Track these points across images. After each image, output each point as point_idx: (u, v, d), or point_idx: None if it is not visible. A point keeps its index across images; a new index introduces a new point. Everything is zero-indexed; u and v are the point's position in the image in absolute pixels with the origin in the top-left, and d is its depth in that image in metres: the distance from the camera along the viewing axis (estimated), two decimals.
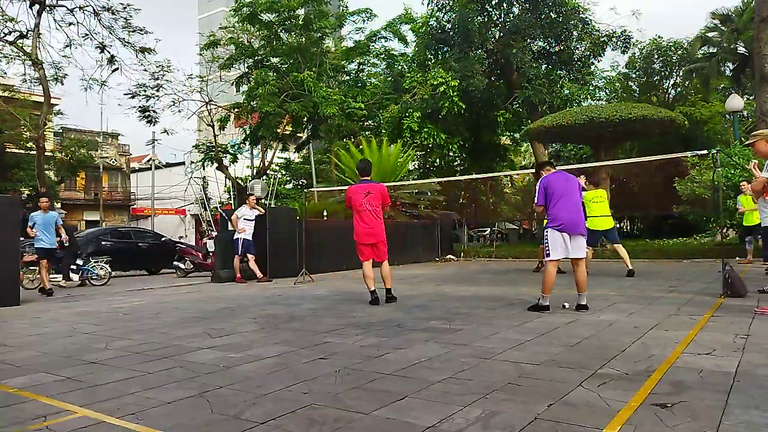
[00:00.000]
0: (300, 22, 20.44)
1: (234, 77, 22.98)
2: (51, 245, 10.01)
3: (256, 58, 21.25)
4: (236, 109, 21.89)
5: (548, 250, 5.58)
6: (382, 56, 24.23)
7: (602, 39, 22.42)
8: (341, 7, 22.47)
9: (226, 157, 22.97)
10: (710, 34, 26.90)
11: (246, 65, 21.66)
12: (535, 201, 5.77)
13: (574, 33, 22.32)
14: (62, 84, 21.43)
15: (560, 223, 5.53)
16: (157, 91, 20.65)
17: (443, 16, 23.14)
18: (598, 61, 23.35)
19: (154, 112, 21.05)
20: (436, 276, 11.03)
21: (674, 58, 26.64)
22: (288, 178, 35.14)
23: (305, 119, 20.73)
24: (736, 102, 15.61)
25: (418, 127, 20.68)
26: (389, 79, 24.09)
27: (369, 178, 7.04)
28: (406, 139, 20.78)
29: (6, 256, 7.72)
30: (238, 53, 20.76)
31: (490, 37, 22.73)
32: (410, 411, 2.57)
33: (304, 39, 20.66)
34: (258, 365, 3.59)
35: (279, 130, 20.88)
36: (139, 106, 20.89)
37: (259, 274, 10.84)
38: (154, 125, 21.76)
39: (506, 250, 19.04)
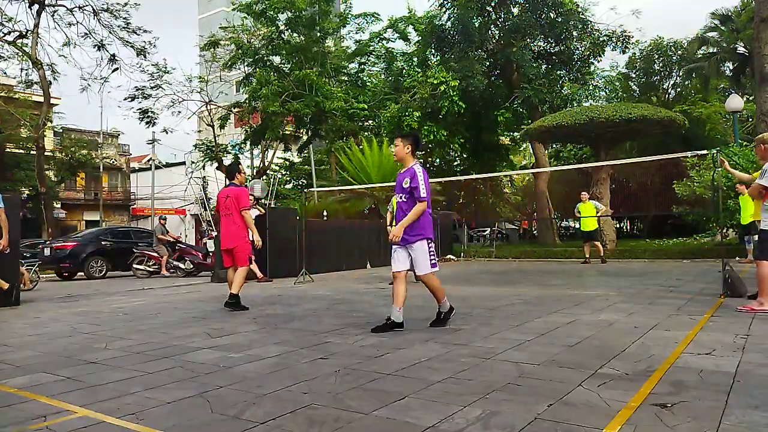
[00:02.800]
0: (304, 21, 20.47)
1: (235, 78, 23.00)
2: None
3: (256, 57, 21.27)
4: (237, 109, 21.90)
5: (435, 259, 4.78)
6: (382, 57, 24.25)
7: (602, 39, 22.43)
8: (346, 8, 22.47)
9: (226, 157, 22.97)
10: (710, 34, 26.91)
11: (247, 64, 21.68)
12: (423, 193, 4.59)
13: (574, 33, 22.33)
14: (55, 80, 21.42)
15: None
16: (157, 89, 20.67)
17: (444, 16, 23.14)
18: (598, 61, 23.39)
19: (153, 113, 21.10)
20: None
21: (674, 58, 26.66)
22: (288, 178, 35.15)
23: (308, 118, 20.74)
24: (736, 102, 15.59)
25: (418, 125, 20.69)
26: (389, 78, 24.09)
27: (235, 182, 6.73)
28: None
29: (6, 256, 7.71)
30: (239, 54, 20.77)
31: (491, 37, 22.73)
32: (410, 411, 2.57)
33: (304, 38, 20.69)
34: (258, 365, 3.59)
35: (280, 131, 20.92)
36: (139, 109, 20.93)
37: (259, 274, 10.84)
38: (153, 126, 21.80)
39: (506, 250, 19.06)
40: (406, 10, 23.98)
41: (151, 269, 14.23)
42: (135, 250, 14.78)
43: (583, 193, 14.02)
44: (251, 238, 6.67)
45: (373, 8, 22.53)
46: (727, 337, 4.04)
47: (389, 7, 26.49)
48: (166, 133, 24.43)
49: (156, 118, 21.40)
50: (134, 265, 14.42)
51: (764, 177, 5.27)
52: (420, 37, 24.25)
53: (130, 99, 20.87)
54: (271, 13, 20.29)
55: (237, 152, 24.24)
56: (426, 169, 5.07)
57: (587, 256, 13.61)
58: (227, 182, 6.86)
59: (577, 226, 36.31)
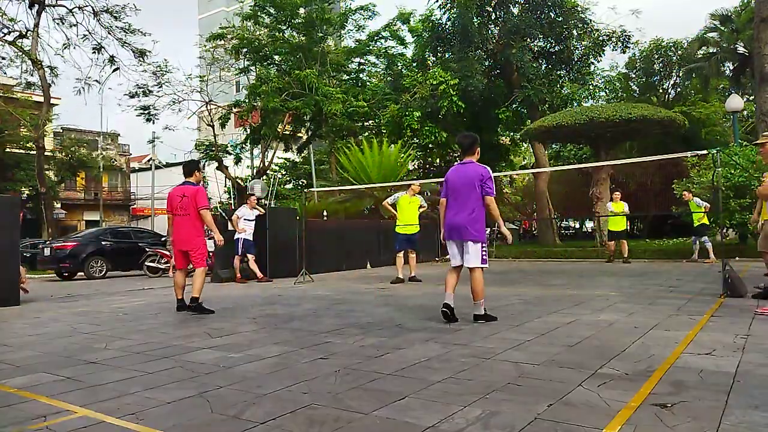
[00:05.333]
0: (302, 21, 20.48)
1: (235, 78, 23.00)
2: None
3: (259, 54, 21.28)
4: (236, 108, 21.89)
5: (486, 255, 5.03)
6: (381, 56, 24.23)
7: (602, 39, 22.44)
8: (344, 7, 22.47)
9: (226, 156, 22.97)
10: (710, 35, 26.90)
11: (248, 59, 21.68)
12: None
13: (574, 33, 22.33)
14: (54, 84, 21.54)
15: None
16: (159, 88, 20.68)
17: (443, 16, 23.14)
18: (598, 61, 23.40)
19: (155, 108, 21.11)
20: (436, 276, 11.02)
21: (674, 58, 26.67)
22: (288, 178, 35.14)
23: (307, 118, 20.74)
24: (736, 102, 15.60)
25: (419, 126, 20.69)
26: (389, 78, 24.08)
27: (191, 180, 6.47)
28: (407, 138, 20.78)
29: (6, 256, 7.71)
30: (243, 44, 20.80)
31: (490, 37, 22.73)
32: (410, 411, 2.57)
33: (305, 38, 20.69)
34: (258, 365, 3.59)
35: (280, 129, 20.91)
36: (140, 107, 20.93)
37: (259, 274, 10.85)
38: (153, 123, 21.84)
39: (506, 250, 19.05)
40: (398, 10, 23.74)
41: (163, 267, 14.33)
42: (147, 249, 14.84)
43: (616, 192, 14.05)
44: (213, 237, 6.53)
45: (373, 6, 22.31)
46: (727, 337, 4.04)
47: (388, 7, 26.40)
48: (170, 130, 24.51)
49: (156, 116, 21.41)
50: (146, 263, 14.46)
51: None
52: (416, 38, 24.23)
53: (130, 96, 20.88)
54: (268, 17, 20.35)
55: (238, 152, 24.22)
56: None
57: (612, 254, 13.70)
58: (183, 180, 6.54)
59: (577, 226, 36.18)
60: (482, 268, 4.95)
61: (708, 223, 12.73)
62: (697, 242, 12.85)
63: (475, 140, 5.25)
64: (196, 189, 6.37)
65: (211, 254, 13.26)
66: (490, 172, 4.99)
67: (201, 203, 6.32)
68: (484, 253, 4.92)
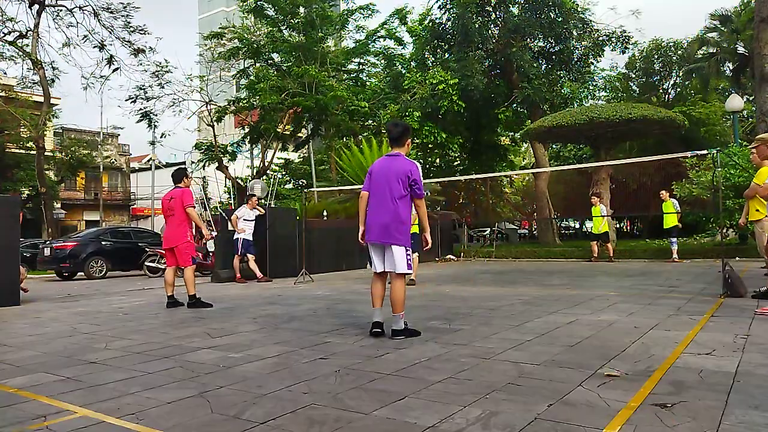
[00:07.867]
0: (303, 20, 20.45)
1: (235, 78, 22.96)
2: None
3: (257, 53, 21.26)
4: (235, 104, 21.84)
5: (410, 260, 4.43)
6: (380, 56, 24.21)
7: (602, 39, 22.46)
8: (345, 7, 22.43)
9: (226, 157, 22.94)
10: (710, 35, 26.93)
11: (247, 60, 21.65)
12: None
13: (574, 33, 22.34)
14: (52, 85, 21.58)
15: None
16: (161, 88, 20.63)
17: (443, 15, 23.15)
18: (598, 61, 23.42)
19: (154, 114, 21.05)
20: (436, 276, 11.03)
21: (674, 58, 26.70)
22: (288, 178, 35.10)
23: (307, 115, 20.70)
24: (736, 102, 15.62)
25: (419, 125, 20.69)
26: (388, 78, 24.08)
27: (180, 186, 7.11)
28: None
29: (6, 256, 7.71)
30: (241, 45, 20.79)
31: (490, 37, 22.73)
32: (410, 411, 2.57)
33: (305, 38, 20.68)
34: (258, 365, 3.59)
35: (279, 129, 20.89)
36: (140, 110, 20.84)
37: (258, 274, 10.85)
38: (154, 129, 21.75)
39: (506, 250, 19.05)
40: (395, 8, 23.55)
41: (163, 267, 14.36)
42: (147, 249, 14.85)
43: (593, 197, 14.49)
44: (214, 238, 7.16)
45: (373, 6, 22.19)
46: (727, 337, 4.04)
47: (388, 8, 26.40)
48: (165, 136, 24.60)
49: (157, 122, 21.37)
50: (146, 263, 14.46)
51: None
52: (415, 38, 24.22)
53: (131, 100, 20.81)
54: (268, 11, 20.32)
55: (236, 151, 24.16)
56: (426, 169, 5.03)
57: (594, 255, 14.22)
58: (174, 186, 7.16)
59: (577, 225, 36.31)
60: (406, 275, 4.38)
61: (678, 224, 13.30)
62: (675, 243, 13.25)
63: (406, 130, 4.58)
64: (183, 190, 7.02)
65: (211, 254, 13.27)
66: (419, 168, 4.43)
67: (187, 202, 6.91)
68: (408, 258, 4.36)
